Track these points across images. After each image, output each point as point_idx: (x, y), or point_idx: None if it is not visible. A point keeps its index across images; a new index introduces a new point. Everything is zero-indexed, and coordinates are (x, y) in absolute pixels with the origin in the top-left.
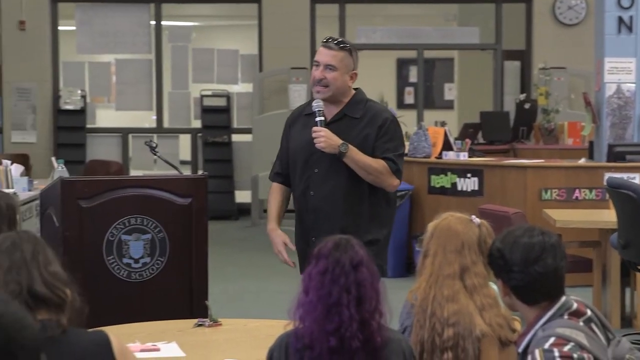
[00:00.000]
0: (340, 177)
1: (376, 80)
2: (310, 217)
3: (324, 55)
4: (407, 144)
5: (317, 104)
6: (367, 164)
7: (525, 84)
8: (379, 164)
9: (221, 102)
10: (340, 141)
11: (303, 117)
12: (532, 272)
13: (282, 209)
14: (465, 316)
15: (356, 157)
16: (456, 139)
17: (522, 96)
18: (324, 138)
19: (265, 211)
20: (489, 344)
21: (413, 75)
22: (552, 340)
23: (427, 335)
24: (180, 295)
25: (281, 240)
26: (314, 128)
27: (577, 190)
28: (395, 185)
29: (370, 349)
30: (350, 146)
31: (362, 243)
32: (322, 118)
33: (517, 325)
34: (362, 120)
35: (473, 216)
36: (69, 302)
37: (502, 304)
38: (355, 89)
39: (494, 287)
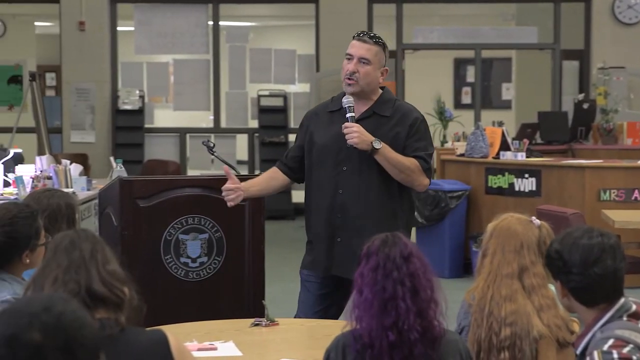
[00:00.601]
0: (371, 176)
1: (433, 80)
2: (337, 217)
3: (357, 48)
4: (464, 144)
5: (348, 100)
6: (400, 162)
7: (583, 84)
8: (411, 162)
9: (278, 102)
10: (373, 137)
11: (326, 114)
12: (591, 273)
13: (261, 186)
14: (523, 316)
15: (389, 154)
16: (514, 139)
17: (581, 96)
18: (357, 134)
19: None
20: (546, 345)
21: (470, 75)
22: (611, 342)
23: (484, 334)
24: (237, 295)
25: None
26: (346, 124)
27: (636, 191)
28: (425, 184)
29: (429, 338)
30: (383, 143)
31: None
32: (353, 114)
33: (576, 327)
34: (391, 119)
35: (533, 217)
36: (127, 301)
37: (560, 305)
38: (381, 87)
39: (552, 288)
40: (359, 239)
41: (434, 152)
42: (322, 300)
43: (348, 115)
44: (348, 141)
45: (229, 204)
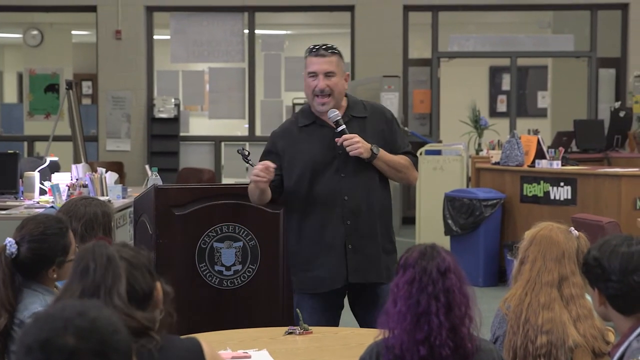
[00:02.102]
0: (369, 178)
1: (468, 88)
2: (347, 224)
3: (318, 64)
4: (499, 152)
5: (335, 114)
6: (397, 162)
7: (620, 92)
8: (404, 159)
9: None
10: (370, 144)
11: (298, 129)
12: (631, 281)
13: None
14: (559, 326)
15: (386, 157)
16: (549, 147)
17: (617, 104)
18: (360, 143)
19: None
20: (582, 355)
21: (506, 83)
22: None
23: (520, 341)
24: (271, 303)
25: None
26: (345, 135)
27: None
28: (416, 178)
29: (461, 355)
30: (379, 148)
31: (391, 241)
32: (344, 126)
33: (611, 337)
34: (370, 118)
35: (572, 228)
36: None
37: (597, 316)
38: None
39: (589, 298)
40: (367, 243)
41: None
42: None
43: (341, 128)
44: (351, 152)
45: (256, 178)
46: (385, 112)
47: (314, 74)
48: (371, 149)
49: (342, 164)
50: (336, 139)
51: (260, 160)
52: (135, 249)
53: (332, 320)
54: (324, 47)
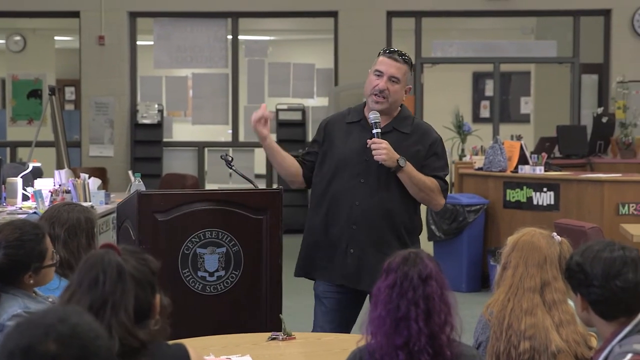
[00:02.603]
0: (390, 192)
1: (452, 94)
2: (352, 228)
3: (388, 65)
4: (482, 158)
5: (375, 115)
6: (422, 181)
7: (602, 98)
8: (431, 181)
9: (297, 116)
10: (398, 155)
11: (344, 125)
12: (613, 286)
13: (285, 157)
14: (541, 331)
15: (412, 172)
16: (532, 152)
17: (600, 110)
18: (386, 150)
19: None
20: None
21: (489, 88)
22: (629, 356)
23: (503, 347)
24: (254, 309)
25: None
26: (374, 139)
27: None
28: (442, 204)
29: None
30: (407, 162)
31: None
32: (379, 130)
33: (594, 342)
34: (411, 136)
35: (554, 233)
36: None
37: (579, 321)
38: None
39: (571, 304)
40: (370, 252)
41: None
42: (340, 315)
43: (375, 131)
44: (375, 157)
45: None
46: (429, 135)
47: (380, 73)
48: (397, 160)
49: (366, 169)
50: (368, 140)
51: (313, 139)
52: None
53: (350, 325)
54: (399, 52)
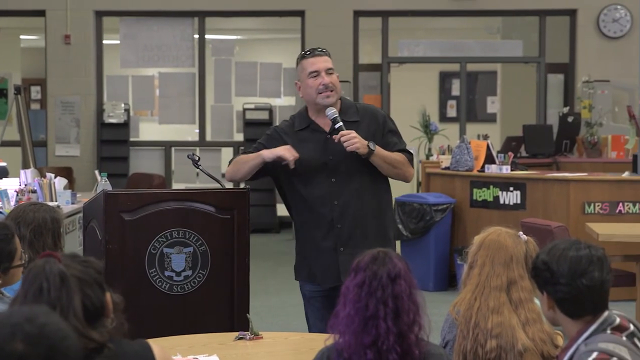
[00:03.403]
0: (360, 182)
1: (418, 94)
2: (337, 227)
3: (319, 62)
4: (449, 157)
5: (333, 111)
6: (393, 158)
7: (568, 97)
8: (400, 156)
9: (264, 116)
10: (366, 141)
11: (295, 133)
12: (579, 284)
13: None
14: (508, 330)
15: (383, 153)
16: (499, 152)
17: (566, 109)
18: (357, 139)
19: None
20: (531, 359)
21: (456, 88)
22: (594, 355)
23: (469, 346)
24: (221, 308)
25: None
26: (342, 132)
27: (620, 204)
28: (412, 174)
29: None
30: (375, 144)
31: (389, 240)
32: (341, 123)
33: (560, 341)
34: (362, 122)
35: (520, 232)
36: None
37: (545, 320)
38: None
39: (537, 302)
40: (359, 244)
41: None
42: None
43: (338, 125)
44: (349, 148)
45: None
46: (377, 113)
47: (316, 73)
48: (368, 145)
49: (333, 169)
50: (333, 136)
51: (260, 143)
52: (85, 261)
53: None
54: (317, 49)
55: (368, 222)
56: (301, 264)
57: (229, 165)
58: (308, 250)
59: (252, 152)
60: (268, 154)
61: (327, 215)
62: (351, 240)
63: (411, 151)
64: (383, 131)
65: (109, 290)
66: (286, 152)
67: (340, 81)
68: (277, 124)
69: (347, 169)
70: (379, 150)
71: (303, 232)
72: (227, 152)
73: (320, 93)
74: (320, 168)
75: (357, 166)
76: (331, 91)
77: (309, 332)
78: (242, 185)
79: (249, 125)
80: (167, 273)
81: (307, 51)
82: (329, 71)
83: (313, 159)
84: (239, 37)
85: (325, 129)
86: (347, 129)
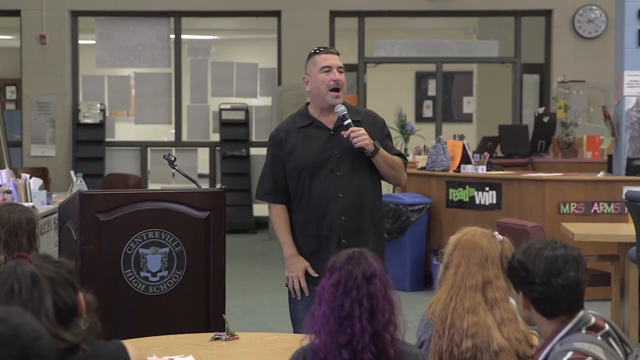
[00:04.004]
0: (362, 177)
1: (394, 94)
2: (341, 220)
3: (331, 59)
4: (425, 157)
5: (341, 109)
6: (393, 160)
7: (544, 98)
8: (398, 159)
9: (240, 116)
10: (372, 140)
11: (298, 130)
12: (555, 284)
13: (290, 233)
14: (483, 329)
15: (384, 153)
16: (475, 152)
17: (541, 109)
18: (366, 135)
19: None
20: (506, 359)
21: (432, 88)
22: (569, 354)
23: (445, 346)
24: (197, 309)
25: (304, 267)
26: (352, 128)
27: (595, 204)
28: (406, 179)
29: None
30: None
31: (381, 239)
32: (350, 120)
33: (535, 340)
34: (363, 123)
35: (496, 232)
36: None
37: (521, 319)
38: None
39: (513, 302)
40: (360, 237)
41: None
42: None
43: (347, 122)
44: (358, 144)
45: (295, 294)
46: (377, 119)
47: (328, 68)
48: (374, 144)
49: (337, 163)
50: (342, 132)
51: (267, 164)
52: (56, 261)
53: None
54: (330, 48)
55: (368, 216)
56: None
57: (271, 215)
58: (309, 245)
59: (273, 169)
60: (287, 262)
61: (332, 208)
62: (352, 233)
63: (407, 157)
64: (382, 135)
65: (81, 290)
66: (294, 284)
67: None
68: (277, 131)
69: (350, 164)
70: (382, 150)
71: (307, 230)
72: (203, 152)
73: (331, 90)
74: (325, 162)
75: (359, 163)
76: (338, 90)
77: (294, 332)
78: (217, 186)
79: (225, 125)
80: (142, 274)
81: (320, 48)
82: (339, 69)
83: (318, 153)
84: (215, 37)
85: (328, 126)
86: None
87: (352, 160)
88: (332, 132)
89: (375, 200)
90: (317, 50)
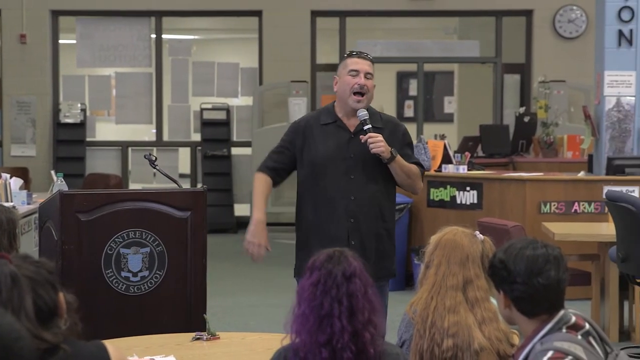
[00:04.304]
0: (377, 183)
1: (376, 93)
2: (350, 222)
3: (362, 64)
4: None
5: (364, 113)
6: (409, 169)
7: (524, 97)
8: (415, 168)
9: (221, 116)
10: (390, 147)
11: (320, 127)
12: (535, 283)
13: (266, 202)
14: (464, 329)
15: (401, 161)
16: (456, 152)
17: (522, 109)
18: (383, 142)
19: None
20: (487, 358)
21: (413, 88)
22: (550, 354)
23: (426, 345)
24: (178, 309)
25: (265, 236)
26: (370, 134)
27: (576, 204)
28: (421, 187)
29: None
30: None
31: (392, 244)
32: (370, 126)
33: (516, 340)
34: (385, 130)
35: (477, 232)
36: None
37: (502, 319)
38: None
39: (494, 302)
40: (370, 241)
41: (428, 153)
42: None
43: (367, 127)
44: (374, 150)
45: (253, 258)
46: (400, 126)
47: (356, 72)
48: (391, 151)
49: (353, 166)
50: (361, 137)
51: (284, 140)
52: (36, 261)
53: None
54: (364, 53)
55: (379, 222)
56: (307, 259)
57: (254, 180)
58: (316, 243)
59: (278, 149)
60: (252, 227)
61: (343, 209)
62: (362, 235)
63: (425, 166)
64: (402, 143)
65: (62, 290)
66: (254, 248)
67: (298, 81)
68: (301, 121)
69: (365, 169)
70: (399, 158)
71: (315, 229)
72: (184, 152)
73: (355, 93)
74: (339, 163)
75: (374, 169)
76: (362, 95)
77: None
78: (198, 186)
79: (206, 125)
80: (123, 274)
81: (354, 51)
82: (367, 75)
83: (334, 152)
84: (196, 36)
85: (350, 128)
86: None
87: (368, 166)
88: (352, 135)
89: (388, 208)
90: (352, 52)
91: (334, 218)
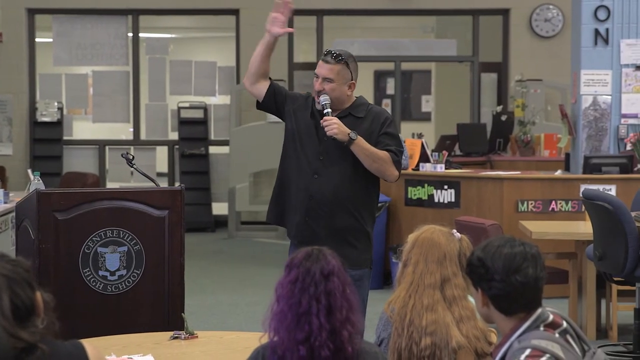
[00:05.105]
0: (344, 168)
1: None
2: (310, 198)
3: (322, 68)
4: None
5: (325, 97)
6: (373, 152)
7: (501, 96)
8: (383, 153)
9: (198, 114)
10: (349, 130)
11: (307, 104)
12: (513, 281)
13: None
14: (442, 327)
15: (363, 145)
16: (433, 150)
17: (499, 108)
18: (336, 125)
19: (242, 223)
20: (465, 356)
21: (390, 87)
22: (527, 352)
23: (404, 343)
24: (156, 308)
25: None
26: (326, 117)
27: (553, 202)
28: (395, 175)
29: (341, 358)
30: (359, 135)
31: (364, 232)
32: (329, 110)
33: (494, 338)
34: (365, 119)
35: (454, 230)
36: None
37: (479, 317)
38: (356, 96)
39: (472, 300)
40: (325, 221)
41: (404, 151)
42: None
43: (326, 110)
44: (327, 132)
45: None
46: (381, 115)
47: (316, 76)
48: (349, 134)
49: (325, 149)
50: (321, 121)
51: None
52: (13, 260)
53: None
54: (333, 54)
55: (337, 204)
56: (278, 206)
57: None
58: (276, 209)
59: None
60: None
61: (305, 185)
62: (317, 213)
63: (403, 158)
64: (380, 131)
65: (39, 289)
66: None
67: (276, 80)
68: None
69: (336, 153)
70: (360, 141)
71: (280, 191)
72: (161, 151)
73: (315, 95)
74: (314, 144)
75: (346, 154)
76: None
77: None
78: (176, 184)
79: (183, 123)
80: (101, 273)
81: (324, 53)
82: (325, 79)
83: (312, 133)
84: (173, 35)
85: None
86: (349, 121)
87: (339, 150)
88: (323, 113)
89: (356, 192)
90: (323, 54)
91: (299, 192)
